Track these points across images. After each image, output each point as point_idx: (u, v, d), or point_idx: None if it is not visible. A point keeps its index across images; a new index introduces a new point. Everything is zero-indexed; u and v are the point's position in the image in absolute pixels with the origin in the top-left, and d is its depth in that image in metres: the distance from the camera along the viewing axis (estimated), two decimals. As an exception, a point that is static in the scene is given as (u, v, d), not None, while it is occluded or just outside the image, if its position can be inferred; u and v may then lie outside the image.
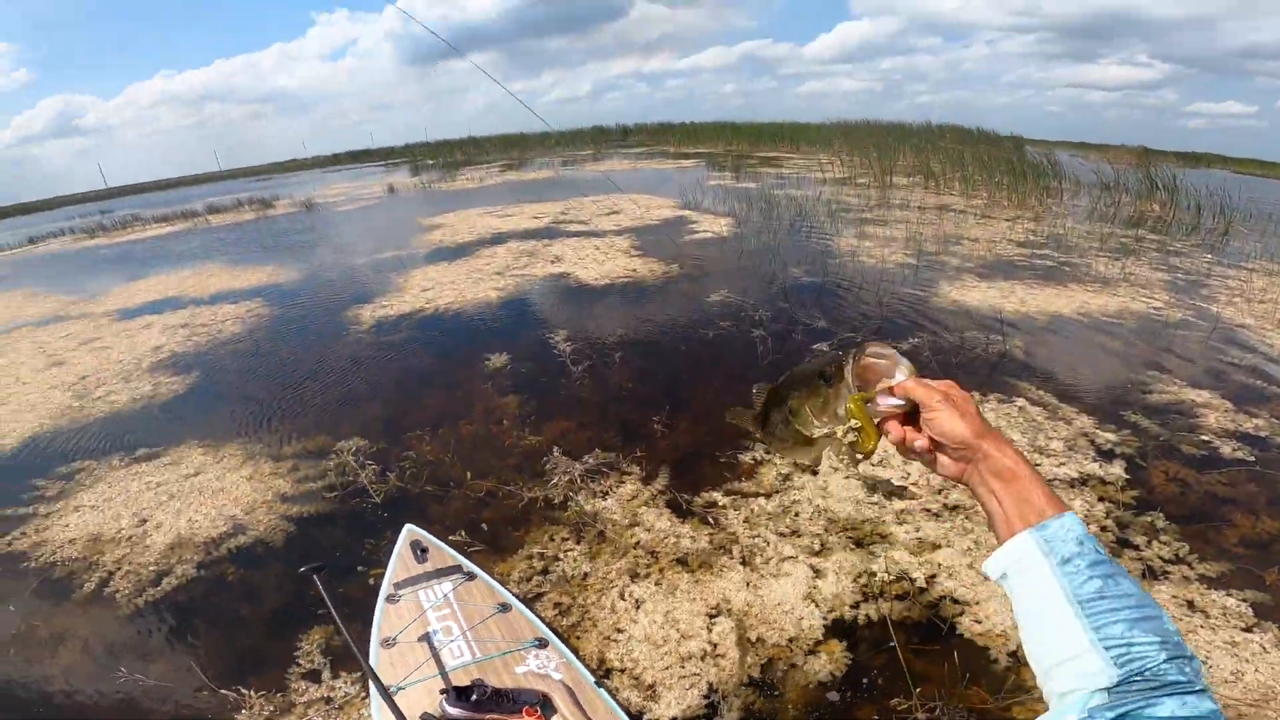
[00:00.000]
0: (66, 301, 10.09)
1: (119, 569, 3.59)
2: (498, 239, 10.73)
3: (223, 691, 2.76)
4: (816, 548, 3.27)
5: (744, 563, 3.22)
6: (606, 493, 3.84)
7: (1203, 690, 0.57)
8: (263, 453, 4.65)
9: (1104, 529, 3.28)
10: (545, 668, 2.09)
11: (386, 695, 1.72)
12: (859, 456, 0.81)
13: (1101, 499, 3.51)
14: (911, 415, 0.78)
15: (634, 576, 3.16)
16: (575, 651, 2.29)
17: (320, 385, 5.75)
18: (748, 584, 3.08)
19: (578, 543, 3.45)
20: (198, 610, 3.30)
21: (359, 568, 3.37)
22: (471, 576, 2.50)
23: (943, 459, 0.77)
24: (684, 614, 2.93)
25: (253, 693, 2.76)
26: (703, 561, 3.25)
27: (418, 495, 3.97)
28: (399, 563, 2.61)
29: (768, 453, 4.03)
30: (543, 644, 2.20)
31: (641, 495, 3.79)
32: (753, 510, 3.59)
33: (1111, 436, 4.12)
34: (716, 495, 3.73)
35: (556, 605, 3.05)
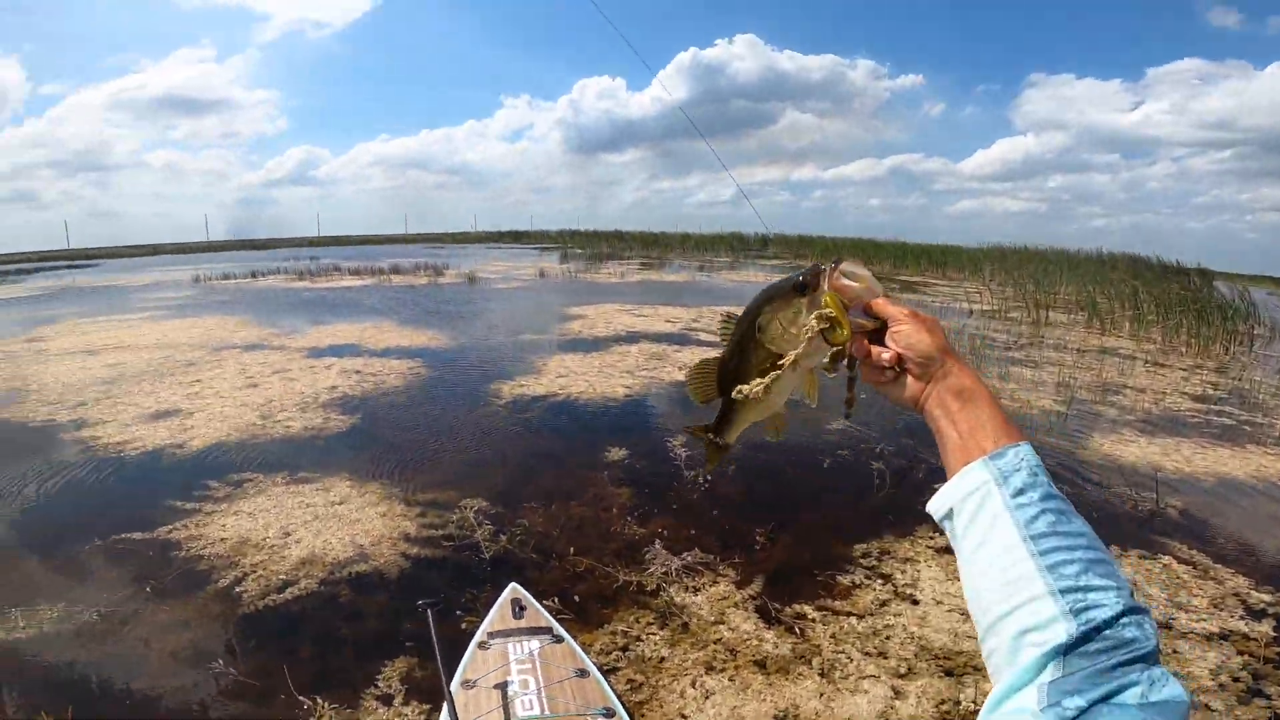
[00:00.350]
0: (270, 333, 12.00)
1: (253, 572, 4.04)
2: (631, 337, 11.31)
3: (299, 697, 2.99)
4: (902, 670, 3.15)
5: (822, 674, 3.14)
6: (698, 589, 3.89)
7: (1156, 656, 0.52)
8: (398, 495, 5.14)
9: (1236, 679, 3.08)
10: None
11: None
12: (827, 357, 0.77)
13: (1241, 653, 3.25)
14: (877, 337, 0.76)
15: (709, 669, 3.20)
16: None
17: (456, 446, 6.30)
18: (821, 694, 3.01)
19: (661, 629, 3.53)
20: (304, 621, 3.63)
21: (458, 612, 3.60)
22: (559, 640, 2.59)
23: (906, 379, 0.74)
24: (750, 713, 2.91)
25: (325, 704, 2.98)
26: (780, 667, 3.21)
27: (523, 559, 4.22)
28: (497, 614, 2.77)
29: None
30: (609, 715, 2.24)
31: (732, 597, 3.81)
32: (841, 627, 3.52)
33: (1267, 598, 3.74)
34: (807, 609, 3.69)
35: (630, 681, 3.12)
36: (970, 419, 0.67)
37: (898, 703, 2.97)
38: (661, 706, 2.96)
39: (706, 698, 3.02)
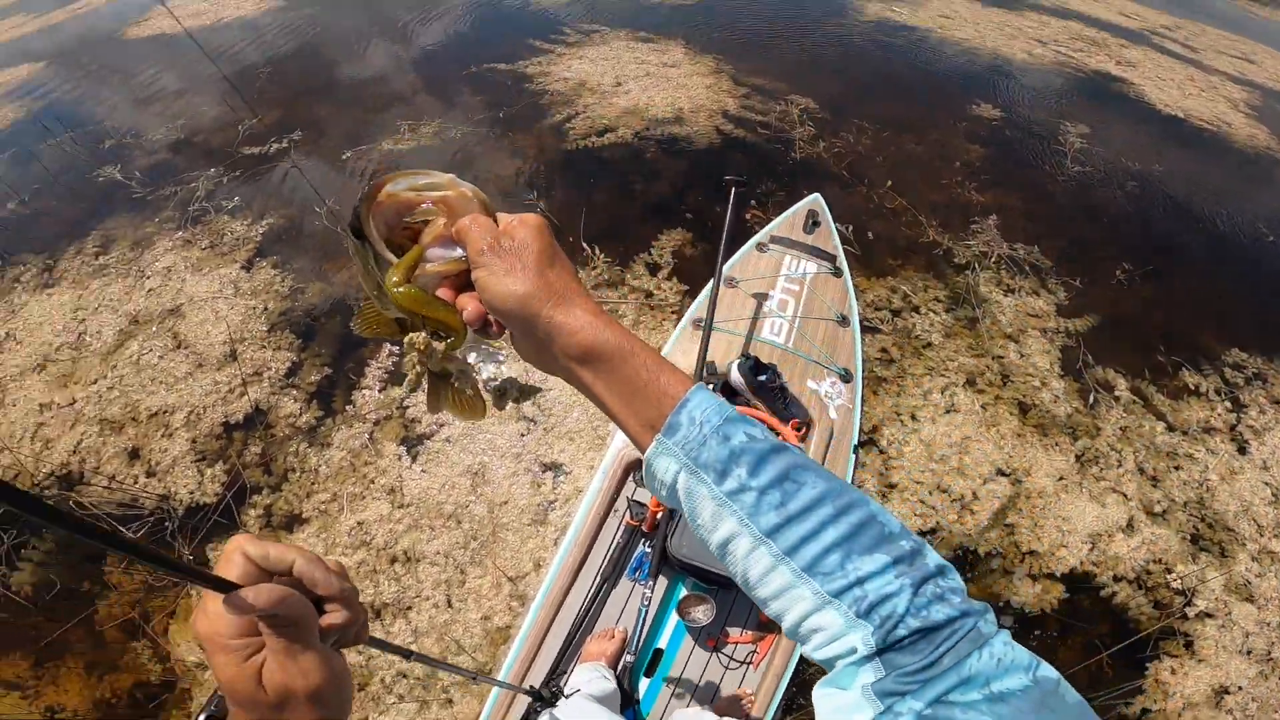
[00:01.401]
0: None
1: (583, 112, 4.23)
2: (1060, 10, 7.97)
3: (583, 243, 3.19)
4: (1157, 509, 2.48)
5: (1078, 459, 2.56)
6: (1012, 290, 3.20)
7: (988, 623, 0.41)
8: (728, 72, 4.80)
9: None
10: (830, 398, 2.03)
11: (708, 328, 1.74)
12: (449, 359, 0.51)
13: None
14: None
15: (968, 383, 2.76)
16: (863, 404, 2.14)
17: (800, 44, 5.54)
18: (1060, 478, 2.49)
19: (946, 311, 3.03)
20: (610, 168, 3.77)
21: (751, 202, 3.43)
22: (838, 273, 2.34)
23: (518, 341, 0.49)
24: (978, 451, 2.53)
25: (601, 256, 3.15)
26: (1042, 424, 2.65)
27: (832, 174, 3.79)
28: (789, 220, 2.53)
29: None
30: (847, 378, 2.08)
31: (1045, 319, 3.08)
32: (1140, 427, 2.72)
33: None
34: (1120, 382, 2.87)
35: (882, 352, 2.80)
36: (616, 388, 0.46)
37: (1121, 535, 2.36)
38: (898, 395, 2.64)
39: (946, 412, 2.62)
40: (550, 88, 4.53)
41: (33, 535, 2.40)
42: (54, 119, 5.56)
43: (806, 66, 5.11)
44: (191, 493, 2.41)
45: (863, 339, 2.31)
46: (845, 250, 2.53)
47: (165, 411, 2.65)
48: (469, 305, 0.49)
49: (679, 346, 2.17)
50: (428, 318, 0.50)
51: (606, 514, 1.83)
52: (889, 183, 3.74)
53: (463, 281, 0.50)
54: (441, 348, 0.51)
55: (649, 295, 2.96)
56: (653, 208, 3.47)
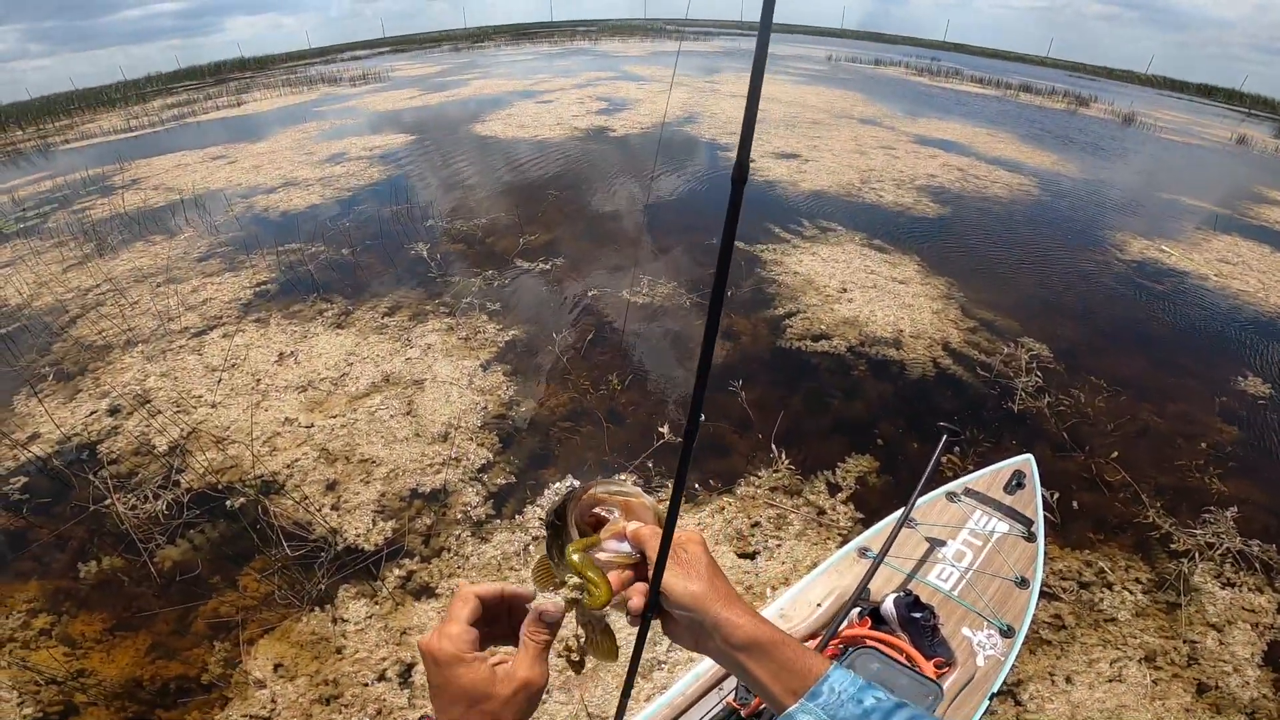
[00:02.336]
0: (884, 113, 12.00)
1: (803, 312, 4.38)
2: None
3: (771, 444, 3.20)
4: None
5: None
6: (1232, 584, 2.71)
7: None
8: (959, 300, 4.70)
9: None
10: (982, 646, 1.91)
11: (878, 561, 1.77)
12: (594, 614, 0.66)
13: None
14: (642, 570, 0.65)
15: (1145, 659, 2.38)
16: (1015, 658, 1.97)
17: (1041, 279, 5.29)
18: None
19: (1142, 593, 2.63)
20: (814, 376, 3.78)
21: (955, 448, 3.23)
22: (1031, 539, 2.19)
23: (671, 626, 0.66)
24: None
25: (785, 461, 3.11)
26: (1219, 703, 2.24)
27: (1050, 433, 3.45)
28: (989, 477, 2.41)
29: None
30: (1008, 633, 1.94)
31: (1263, 615, 2.55)
32: None
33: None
34: None
35: (1056, 617, 2.51)
36: (769, 666, 0.60)
37: None
38: (1058, 658, 2.37)
39: (1109, 681, 2.30)
40: (778, 278, 4.83)
41: (208, 522, 2.84)
42: (399, 188, 7.20)
43: (1046, 306, 4.85)
44: (356, 535, 2.72)
45: (1037, 604, 2.11)
46: (1044, 517, 2.34)
47: (373, 462, 3.09)
48: (635, 597, 0.63)
49: (836, 568, 2.11)
50: (585, 579, 0.63)
51: (711, 688, 1.78)
52: (1114, 454, 3.34)
53: (628, 574, 0.65)
54: (586, 600, 0.63)
55: (821, 513, 2.90)
56: (848, 426, 3.43)
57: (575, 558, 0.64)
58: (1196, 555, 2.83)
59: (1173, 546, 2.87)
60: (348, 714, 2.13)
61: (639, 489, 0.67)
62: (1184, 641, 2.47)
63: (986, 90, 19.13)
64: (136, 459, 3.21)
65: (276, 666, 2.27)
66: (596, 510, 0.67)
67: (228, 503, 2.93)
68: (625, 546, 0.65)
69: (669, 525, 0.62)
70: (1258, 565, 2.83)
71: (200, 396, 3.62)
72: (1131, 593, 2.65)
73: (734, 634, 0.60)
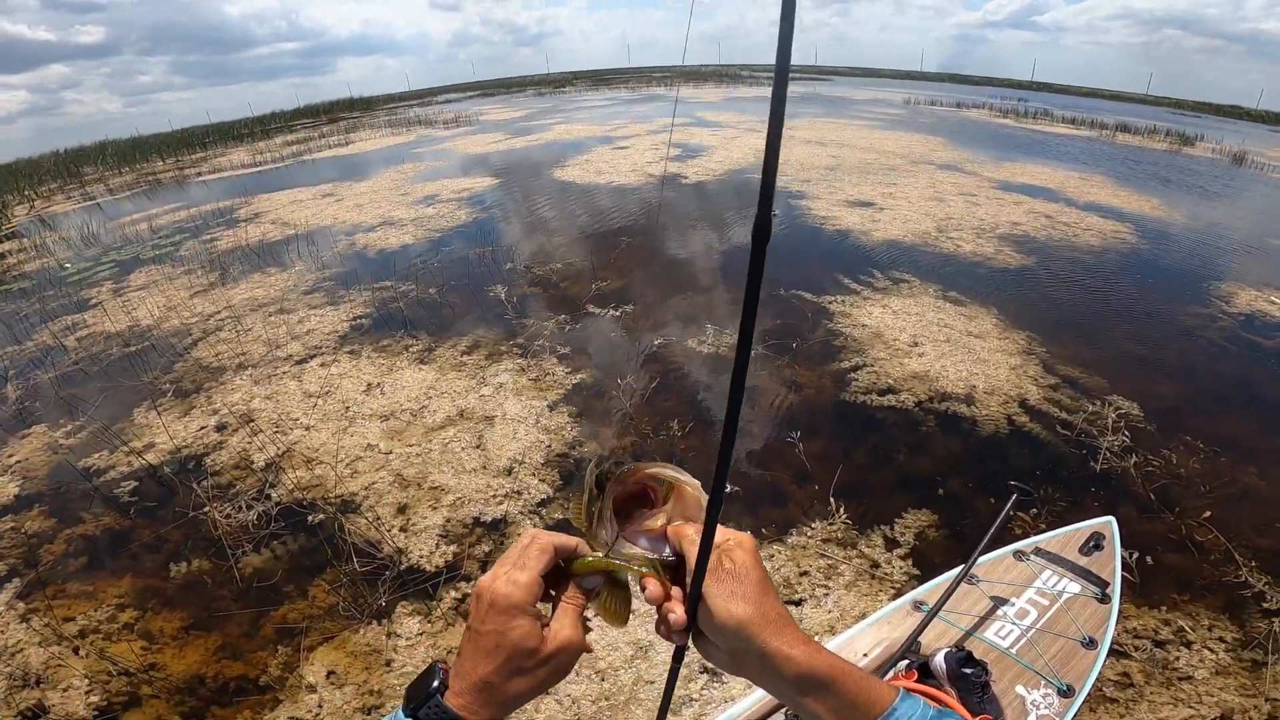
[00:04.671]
0: (965, 158, 11.73)
1: (871, 365, 4.30)
2: None
3: (831, 495, 3.15)
4: None
5: None
6: None
7: None
8: (1040, 355, 4.50)
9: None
10: (1035, 705, 1.84)
11: (932, 613, 1.76)
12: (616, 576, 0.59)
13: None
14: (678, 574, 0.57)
15: (1221, 718, 2.19)
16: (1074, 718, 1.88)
17: (1133, 332, 4.99)
18: None
19: (1225, 651, 2.44)
20: (879, 430, 3.68)
21: (1032, 510, 3.08)
22: (1105, 600, 2.08)
23: (707, 647, 0.56)
24: None
25: (842, 513, 3.05)
26: None
27: (1134, 494, 3.24)
28: (1064, 537, 2.33)
29: None
30: (1067, 693, 1.85)
31: None
32: None
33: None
34: None
35: (1123, 675, 2.34)
36: (829, 701, 0.52)
37: None
38: (1122, 717, 2.20)
39: None
40: (846, 331, 4.78)
41: (290, 534, 3.07)
42: (485, 230, 7.68)
43: (1140, 363, 4.55)
44: (420, 557, 2.88)
45: (1103, 664, 1.99)
46: (1122, 578, 2.21)
47: (442, 490, 3.28)
48: (677, 610, 0.55)
49: (887, 619, 2.06)
50: (603, 608, 0.60)
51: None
52: (1207, 513, 3.11)
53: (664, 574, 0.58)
54: (604, 618, 0.60)
55: (874, 566, 2.83)
56: (910, 482, 3.34)
57: (593, 559, 0.59)
58: None
59: (1265, 605, 2.66)
60: None
61: (697, 483, 0.59)
62: (1265, 699, 2.26)
63: (1079, 131, 18.31)
64: (236, 472, 3.56)
65: (329, 674, 2.42)
66: (642, 481, 0.60)
67: (309, 518, 3.18)
68: (665, 551, 0.58)
69: (708, 530, 0.54)
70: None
71: (297, 419, 3.98)
72: (1213, 651, 2.46)
73: (786, 668, 0.52)
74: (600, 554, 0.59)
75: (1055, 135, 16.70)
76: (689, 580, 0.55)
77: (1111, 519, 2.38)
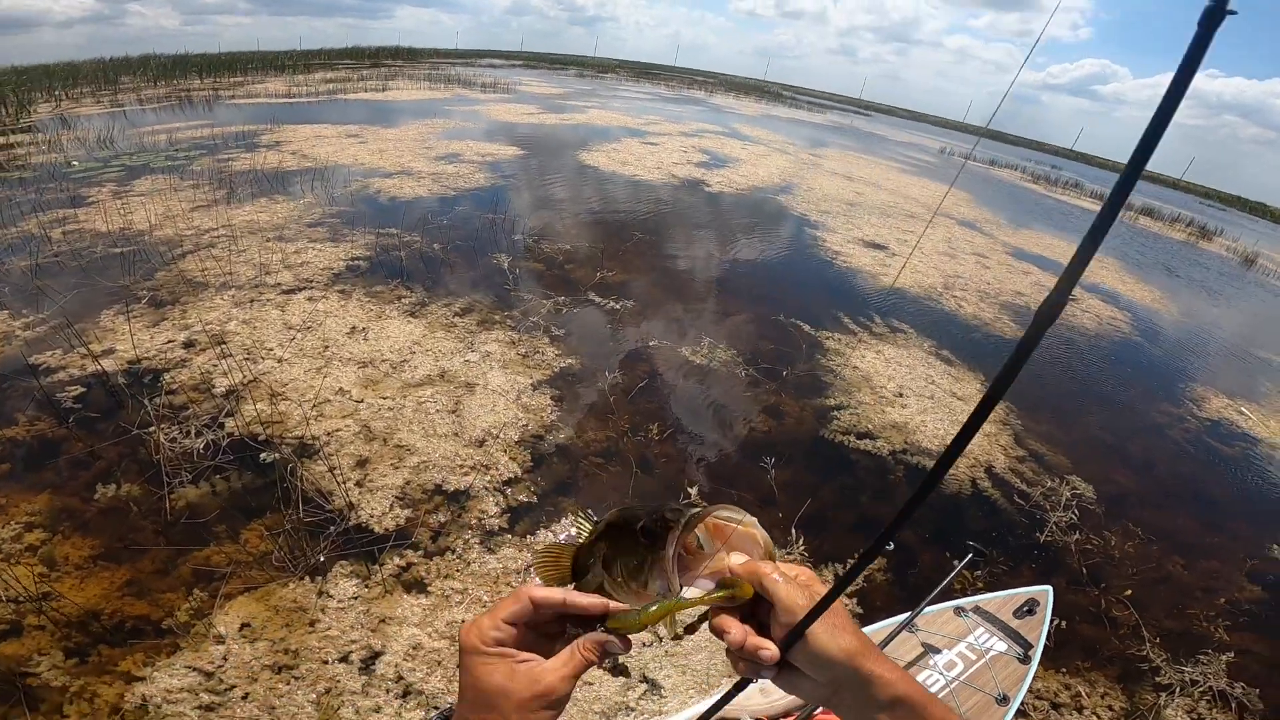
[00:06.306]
0: (984, 217, 11.75)
1: (853, 408, 4.33)
2: None
3: (792, 528, 3.17)
4: None
5: None
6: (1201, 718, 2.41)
7: None
8: (1014, 427, 4.57)
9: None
10: None
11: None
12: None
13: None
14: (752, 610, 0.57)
15: None
16: None
17: (1112, 425, 5.05)
18: None
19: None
20: (849, 470, 3.71)
21: (976, 571, 3.17)
22: (1025, 661, 2.24)
23: (794, 680, 0.57)
24: None
25: (801, 546, 3.09)
26: None
27: (1068, 568, 3.35)
28: (1002, 600, 2.46)
29: None
30: None
31: None
32: None
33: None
34: None
35: None
36: None
37: None
38: None
39: None
40: (836, 369, 4.80)
41: (236, 470, 2.93)
42: (499, 197, 7.62)
43: (1104, 450, 4.66)
44: (372, 516, 2.80)
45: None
46: (1049, 650, 2.39)
47: (408, 450, 3.23)
48: (769, 648, 0.55)
49: None
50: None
51: None
52: (1128, 592, 3.27)
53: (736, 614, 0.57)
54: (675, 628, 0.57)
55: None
56: (869, 525, 3.37)
57: (666, 608, 0.55)
58: (1177, 689, 2.77)
59: (1158, 680, 2.81)
60: (294, 686, 2.12)
61: (755, 520, 0.57)
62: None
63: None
64: (193, 394, 3.43)
65: (243, 626, 2.27)
66: (713, 524, 0.57)
67: (262, 456, 3.07)
68: (725, 591, 0.56)
69: (847, 576, 0.56)
70: (1233, 704, 2.76)
71: (271, 350, 3.91)
72: (1099, 717, 2.59)
73: (884, 692, 0.55)
74: (646, 606, 0.55)
75: (1080, 208, 16.91)
76: (778, 618, 0.55)
77: (1049, 589, 2.51)
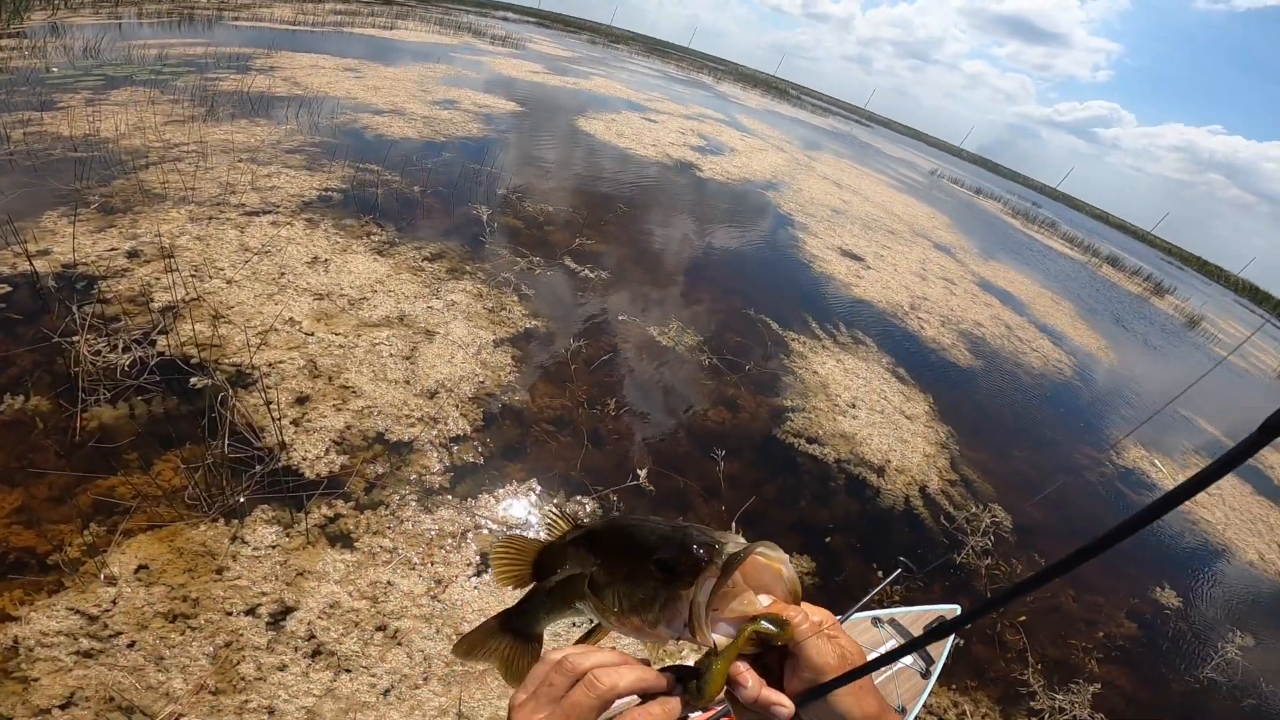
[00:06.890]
0: (960, 243, 12.04)
1: (807, 412, 4.40)
2: None
3: (733, 523, 3.22)
4: None
5: None
6: None
7: None
8: (953, 452, 4.72)
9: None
10: None
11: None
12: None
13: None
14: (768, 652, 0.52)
15: None
16: None
17: (1040, 461, 5.29)
18: None
19: None
20: (795, 472, 3.80)
21: (897, 585, 3.27)
22: (925, 675, 2.41)
23: None
24: None
25: (739, 534, 3.15)
26: None
27: (975, 589, 3.52)
28: (916, 614, 2.59)
29: None
30: None
31: None
32: None
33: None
34: None
35: None
36: None
37: None
38: None
39: None
40: (797, 371, 4.88)
41: (160, 392, 2.72)
42: (488, 150, 7.42)
43: (1026, 484, 4.88)
44: (304, 459, 2.63)
45: None
46: (944, 662, 2.45)
47: (353, 391, 3.10)
48: (786, 705, 0.50)
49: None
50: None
51: None
52: (1021, 618, 3.47)
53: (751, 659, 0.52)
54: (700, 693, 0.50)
55: None
56: (805, 527, 3.46)
57: (719, 666, 0.48)
58: (1046, 715, 2.95)
59: (1033, 704, 2.97)
60: (190, 637, 1.95)
61: (786, 559, 0.52)
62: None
63: (1072, 252, 19.23)
64: (128, 306, 3.21)
65: (140, 568, 2.07)
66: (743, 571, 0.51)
67: (192, 380, 2.86)
68: (740, 638, 0.50)
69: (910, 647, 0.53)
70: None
71: (222, 269, 3.73)
72: None
73: None
74: (706, 669, 0.49)
75: (1050, 249, 17.47)
76: (799, 672, 0.51)
77: (958, 607, 2.67)
